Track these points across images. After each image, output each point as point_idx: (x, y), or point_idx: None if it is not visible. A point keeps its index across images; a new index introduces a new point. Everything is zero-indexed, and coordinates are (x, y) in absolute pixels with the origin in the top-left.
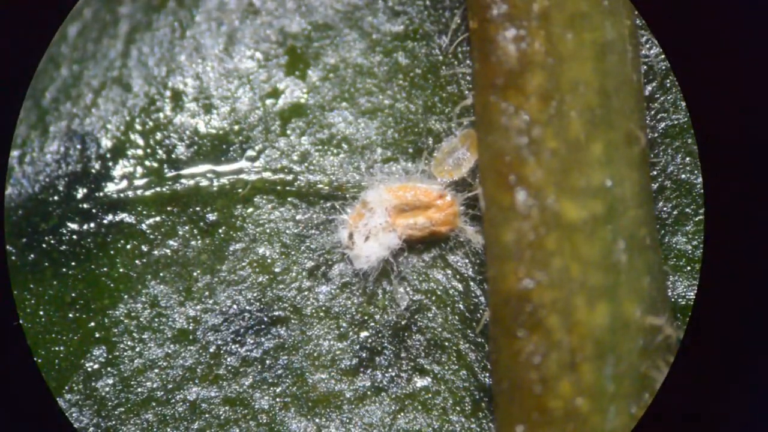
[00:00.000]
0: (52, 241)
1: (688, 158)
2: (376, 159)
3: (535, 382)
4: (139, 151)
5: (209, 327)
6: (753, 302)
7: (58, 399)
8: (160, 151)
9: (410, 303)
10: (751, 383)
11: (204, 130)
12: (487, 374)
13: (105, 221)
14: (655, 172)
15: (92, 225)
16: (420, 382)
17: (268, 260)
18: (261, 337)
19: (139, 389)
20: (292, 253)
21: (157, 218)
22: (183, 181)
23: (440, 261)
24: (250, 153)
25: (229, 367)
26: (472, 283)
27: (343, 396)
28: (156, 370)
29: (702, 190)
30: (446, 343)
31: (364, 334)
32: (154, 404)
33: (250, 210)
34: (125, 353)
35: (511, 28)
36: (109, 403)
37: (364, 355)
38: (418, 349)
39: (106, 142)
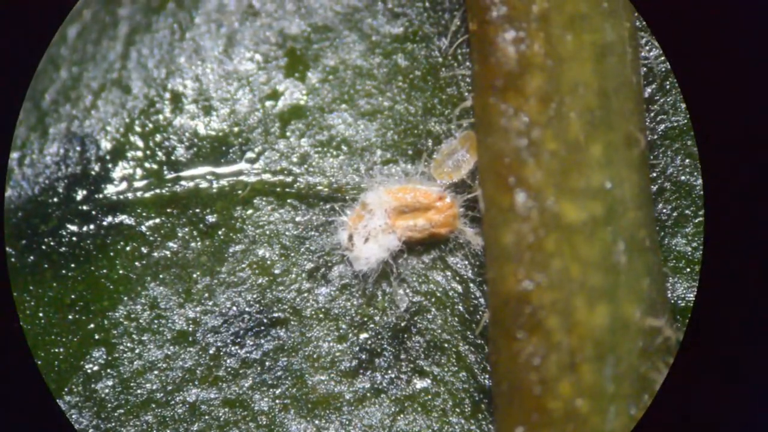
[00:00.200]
0: (52, 243)
1: (687, 160)
2: (376, 161)
3: (534, 383)
4: (139, 153)
5: (209, 329)
6: (753, 304)
7: (57, 400)
8: (159, 153)
9: (410, 305)
10: (750, 384)
11: (203, 131)
12: (487, 376)
13: (104, 223)
14: (654, 174)
15: (92, 227)
16: (420, 383)
17: (268, 262)
18: (260, 338)
19: (139, 391)
20: (292, 254)
21: (157, 220)
22: (183, 182)
23: (440, 263)
24: (249, 155)
25: (229, 369)
26: (471, 285)
27: (342, 398)
28: (155, 372)
29: (702, 192)
30: (446, 345)
31: (363, 335)
32: (153, 406)
33: (250, 212)
34: (125, 355)
35: (511, 30)
36: (109, 405)
37: (363, 356)
38: (418, 350)
39: (106, 144)
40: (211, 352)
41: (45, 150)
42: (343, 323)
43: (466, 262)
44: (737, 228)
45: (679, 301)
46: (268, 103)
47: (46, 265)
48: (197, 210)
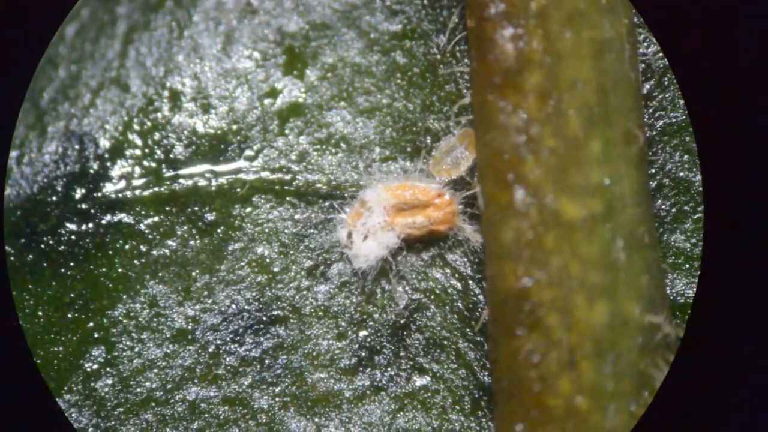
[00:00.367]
0: (51, 242)
1: (686, 156)
2: (375, 158)
3: (534, 381)
4: (138, 152)
5: (208, 327)
6: (752, 300)
7: (57, 399)
8: (158, 151)
9: (409, 302)
10: (750, 381)
11: (202, 129)
12: (487, 373)
13: (103, 221)
14: (653, 170)
15: (91, 225)
16: (419, 381)
17: (267, 260)
18: (260, 336)
19: (139, 389)
20: (291, 252)
21: (156, 218)
22: (181, 181)
23: (439, 260)
24: (248, 153)
25: (228, 367)
26: (470, 282)
27: (342, 395)
28: (155, 370)
29: (701, 188)
30: (445, 342)
31: (363, 333)
32: (153, 404)
33: (249, 209)
34: (124, 353)
35: (509, 27)
36: (109, 404)
37: (363, 354)
38: (417, 348)
39: (105, 143)
40: (210, 350)
41: (44, 148)
42: (343, 321)
43: (466, 259)
44: (736, 224)
45: (679, 298)
46: (266, 101)
47: (45, 264)
48: (196, 208)
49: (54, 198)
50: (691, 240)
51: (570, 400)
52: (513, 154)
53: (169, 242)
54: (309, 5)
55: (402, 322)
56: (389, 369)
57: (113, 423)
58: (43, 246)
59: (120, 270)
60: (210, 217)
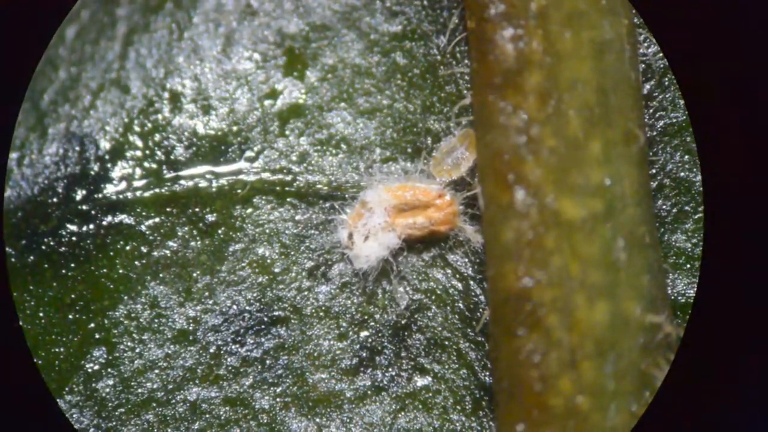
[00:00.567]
0: (52, 243)
1: (687, 156)
2: (375, 159)
3: (535, 381)
4: (138, 153)
5: (209, 327)
6: (753, 300)
7: (58, 400)
8: (158, 153)
9: (410, 302)
10: (751, 382)
11: (203, 131)
12: (488, 373)
13: (104, 223)
14: (654, 171)
15: (91, 226)
16: (420, 381)
17: (268, 260)
18: (261, 337)
19: (140, 390)
20: (292, 253)
21: (157, 219)
22: (182, 182)
23: (440, 260)
24: (248, 154)
25: (230, 368)
26: (471, 282)
27: (343, 395)
28: (156, 371)
29: (701, 188)
30: (446, 342)
31: (364, 333)
32: (154, 405)
33: (250, 210)
34: (125, 354)
35: (509, 28)
36: (110, 404)
37: (364, 354)
38: (419, 348)
39: (105, 144)
40: (211, 350)
41: (44, 150)
42: (344, 321)
43: (466, 260)
44: (737, 223)
45: (680, 297)
46: (266, 102)
47: (46, 265)
48: (197, 209)
49: (55, 199)
50: (692, 240)
51: (571, 400)
52: (513, 155)
53: (170, 243)
54: (309, 7)
55: (403, 322)
56: (390, 369)
57: (114, 423)
58: (44, 247)
59: (121, 271)
60: (211, 218)
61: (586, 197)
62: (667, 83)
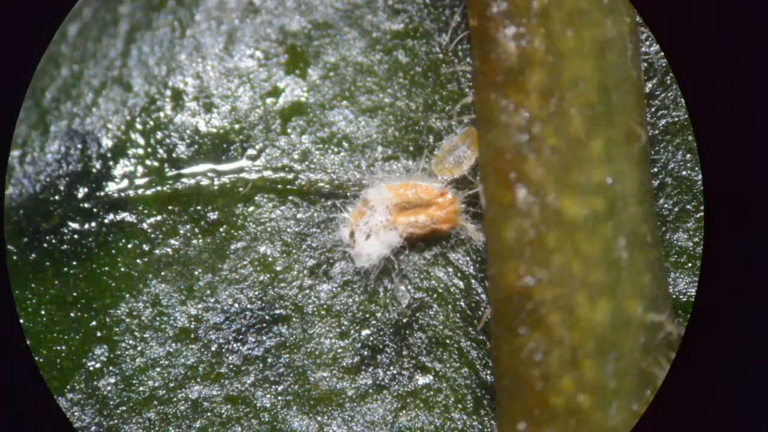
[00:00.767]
0: (54, 241)
1: (689, 155)
2: (377, 157)
3: (536, 379)
4: (140, 151)
5: (211, 325)
6: (754, 299)
7: (59, 398)
8: (160, 151)
9: (411, 301)
10: (751, 382)
11: (204, 129)
12: (489, 372)
13: (106, 220)
14: (655, 169)
15: (93, 224)
16: (422, 379)
17: (270, 259)
18: (262, 335)
19: (141, 388)
20: (294, 251)
21: (158, 217)
22: (184, 180)
23: (441, 259)
24: (250, 152)
25: (231, 366)
26: (473, 281)
27: (344, 394)
28: (158, 369)
29: (703, 187)
30: (448, 341)
31: (365, 332)
32: (156, 403)
33: (251, 209)
34: (127, 352)
35: (511, 26)
36: (111, 402)
37: (365, 353)
38: (420, 346)
39: (107, 142)
40: (213, 349)
41: (46, 148)
42: (345, 320)
43: (468, 258)
44: (737, 223)
45: (681, 296)
46: (268, 100)
47: (47, 263)
48: (198, 207)
49: (56, 197)
50: (693, 239)
51: (572, 399)
52: (515, 153)
53: (172, 241)
54: (311, 4)
55: (404, 320)
56: (392, 368)
57: (116, 422)
58: (45, 245)
59: (123, 269)
60: (212, 216)
61: (587, 196)
62: (669, 82)
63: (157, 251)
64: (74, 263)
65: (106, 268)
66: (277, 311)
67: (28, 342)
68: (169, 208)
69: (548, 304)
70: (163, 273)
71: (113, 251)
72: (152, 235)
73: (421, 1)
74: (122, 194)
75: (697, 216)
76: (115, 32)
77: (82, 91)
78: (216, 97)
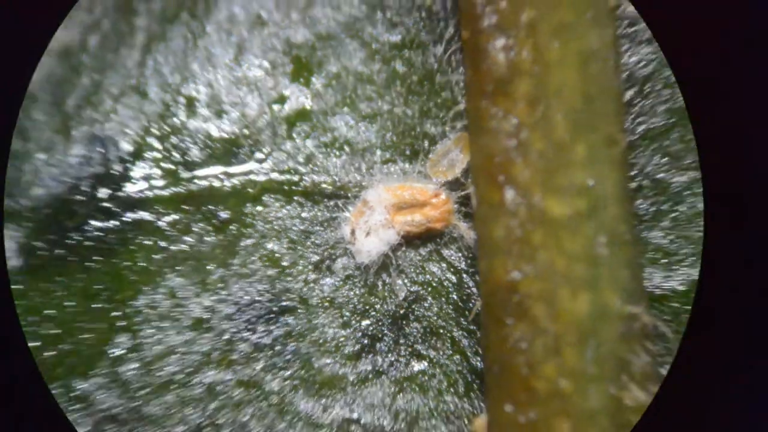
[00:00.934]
0: (78, 237)
1: (664, 159)
2: (376, 160)
3: (522, 366)
4: (157, 154)
5: (223, 316)
6: (754, 299)
7: (85, 382)
8: (175, 154)
9: (408, 294)
10: (751, 382)
11: (216, 134)
12: (479, 359)
13: (126, 219)
14: (634, 172)
15: (114, 222)
16: (417, 366)
17: (277, 254)
18: (271, 325)
19: (160, 373)
20: (299, 248)
21: (174, 216)
22: (197, 181)
23: (435, 255)
24: (258, 155)
25: (242, 353)
26: (464, 275)
27: (346, 379)
28: (175, 356)
29: (677, 189)
30: (441, 331)
31: (365, 322)
32: (174, 386)
33: (260, 208)
34: (147, 340)
35: (501, 38)
36: (133, 386)
37: (365, 341)
38: (416, 335)
39: (126, 146)
40: (225, 337)
41: (69, 151)
42: (347, 311)
43: (460, 255)
44: (738, 223)
45: (656, 290)
46: (275, 107)
47: (72, 258)
48: (211, 207)
49: (80, 197)
50: (668, 237)
51: (554, 383)
52: (504, 157)
53: (187, 238)
54: (315, 17)
55: (402, 312)
56: (390, 355)
57: (138, 404)
58: (70, 241)
59: (142, 263)
60: (224, 215)
61: (571, 197)
62: (647, 91)
63: (173, 247)
64: (97, 258)
65: (127, 263)
66: (284, 303)
67: (53, 331)
68: (184, 207)
69: (533, 296)
70: (178, 267)
71: (133, 247)
72: (168, 233)
73: (418, 15)
74: (141, 195)
75: (672, 215)
76: (133, 43)
77: (103, 99)
78: (226, 104)
